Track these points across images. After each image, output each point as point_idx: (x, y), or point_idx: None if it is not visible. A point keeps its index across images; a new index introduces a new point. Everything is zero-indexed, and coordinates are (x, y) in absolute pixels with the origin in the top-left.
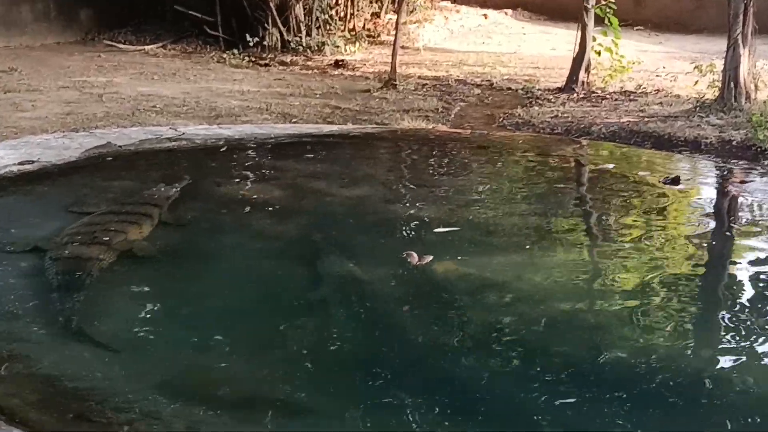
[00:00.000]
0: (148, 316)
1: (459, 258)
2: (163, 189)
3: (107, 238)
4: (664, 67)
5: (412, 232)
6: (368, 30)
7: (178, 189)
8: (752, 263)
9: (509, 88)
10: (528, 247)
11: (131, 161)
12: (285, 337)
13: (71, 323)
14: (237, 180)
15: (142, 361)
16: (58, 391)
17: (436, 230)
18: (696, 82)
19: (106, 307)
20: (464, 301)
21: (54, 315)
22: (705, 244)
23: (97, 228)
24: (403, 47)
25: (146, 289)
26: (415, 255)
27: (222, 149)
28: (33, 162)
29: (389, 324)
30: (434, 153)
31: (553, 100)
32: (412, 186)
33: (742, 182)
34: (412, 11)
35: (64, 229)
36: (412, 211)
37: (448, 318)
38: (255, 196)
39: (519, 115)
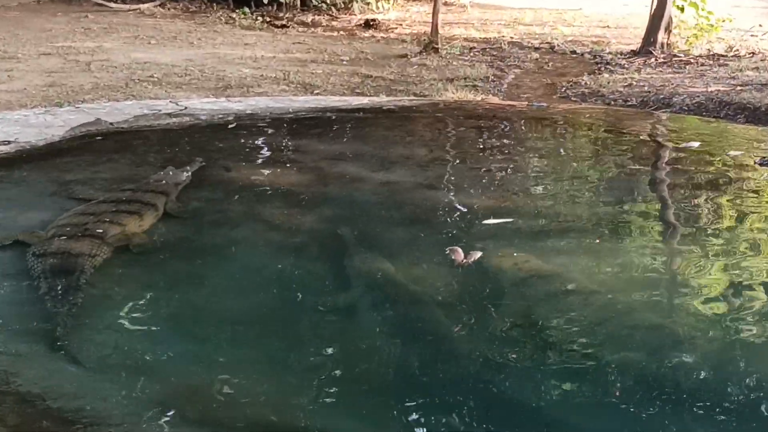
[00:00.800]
0: (145, 325)
1: (514, 255)
2: (171, 173)
3: (101, 231)
4: (760, 25)
5: (457, 224)
6: None
7: (190, 174)
8: None
9: (573, 52)
10: (597, 242)
11: (125, 141)
12: (305, 352)
13: (56, 333)
14: (249, 163)
15: (137, 379)
16: (38, 412)
17: (485, 222)
18: None
19: (97, 314)
20: (521, 308)
21: (37, 323)
22: None
23: (90, 219)
24: (446, 4)
25: (143, 292)
26: (460, 251)
27: (231, 126)
28: (10, 142)
29: (432, 337)
30: (483, 130)
31: (626, 66)
32: (456, 169)
33: None
34: None
35: (53, 221)
36: (456, 199)
37: (501, 330)
38: (270, 183)
39: (585, 83)
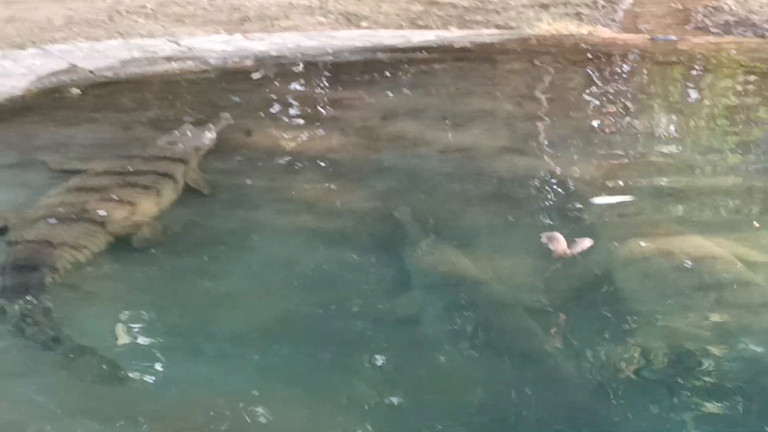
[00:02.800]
0: (140, 338)
1: (635, 244)
2: (190, 134)
3: (103, 213)
4: None
5: (556, 203)
6: None
7: (214, 134)
8: None
9: None
10: (753, 224)
11: (109, 95)
12: (351, 377)
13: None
14: (276, 124)
15: (131, 404)
16: None
17: (595, 200)
18: None
19: (75, 324)
20: (647, 318)
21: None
22: None
23: (90, 196)
24: None
25: (136, 296)
26: (561, 239)
27: (252, 74)
28: None
29: (522, 356)
30: (590, 74)
31: None
32: (554, 129)
33: None
34: None
35: (41, 197)
36: (554, 169)
37: (622, 350)
38: (304, 150)
39: (729, 9)
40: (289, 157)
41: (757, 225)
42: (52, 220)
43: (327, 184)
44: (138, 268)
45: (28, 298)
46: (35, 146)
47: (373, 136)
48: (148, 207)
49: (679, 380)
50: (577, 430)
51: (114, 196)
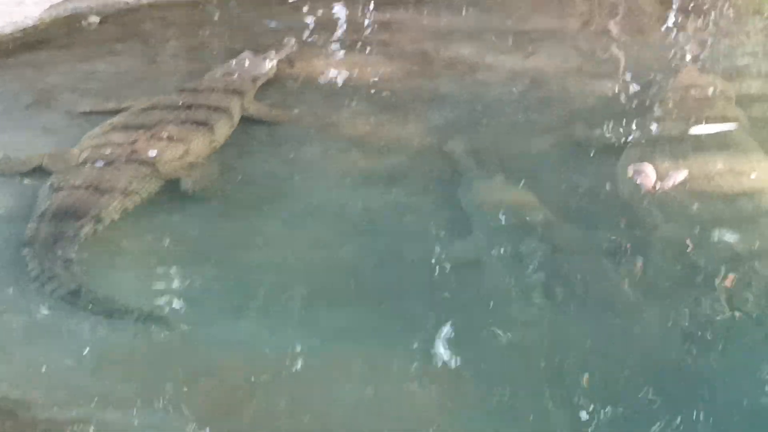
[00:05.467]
0: (181, 294)
1: (741, 175)
2: (248, 62)
3: (155, 153)
4: None
5: (636, 132)
6: None
7: (275, 62)
8: None
9: None
10: None
11: (131, 24)
12: (408, 325)
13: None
14: (318, 50)
15: (168, 361)
16: (25, 426)
17: (692, 131)
18: None
19: (120, 278)
20: (743, 259)
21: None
22: None
23: (139, 135)
24: None
25: (179, 247)
26: (650, 172)
27: None
28: None
29: (604, 311)
30: None
31: None
32: (628, 48)
33: None
34: None
35: (85, 135)
36: (637, 94)
37: (721, 303)
38: (351, 79)
39: None
40: (335, 89)
41: None
42: (99, 163)
43: (377, 118)
44: (172, 217)
45: (55, 250)
46: (52, 84)
47: (426, 61)
48: (201, 145)
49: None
50: (657, 384)
51: (164, 134)
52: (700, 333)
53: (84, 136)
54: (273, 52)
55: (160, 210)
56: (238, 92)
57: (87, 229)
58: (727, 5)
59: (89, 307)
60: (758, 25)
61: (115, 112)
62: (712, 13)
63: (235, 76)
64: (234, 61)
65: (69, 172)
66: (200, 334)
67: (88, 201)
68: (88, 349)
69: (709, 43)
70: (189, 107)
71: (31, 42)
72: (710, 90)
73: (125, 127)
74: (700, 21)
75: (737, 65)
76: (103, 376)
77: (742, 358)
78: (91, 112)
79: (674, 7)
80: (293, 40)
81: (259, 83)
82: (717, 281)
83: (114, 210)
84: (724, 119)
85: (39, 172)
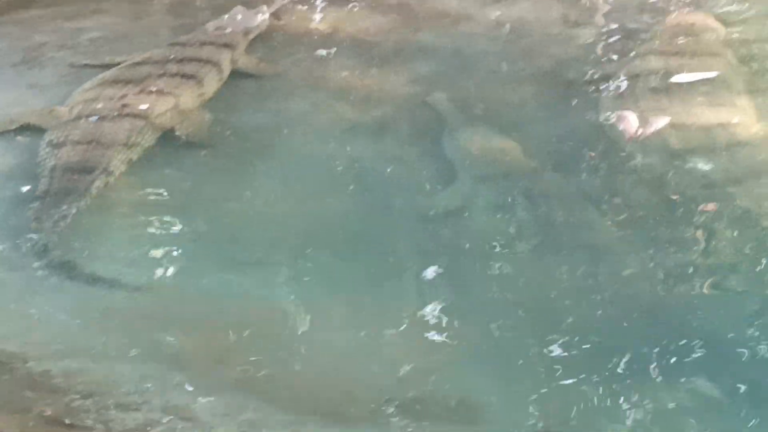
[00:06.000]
0: (172, 248)
1: (722, 118)
2: (240, 17)
3: (145, 107)
4: None
5: (624, 79)
6: None
7: (267, 16)
8: None
9: None
10: None
11: None
12: (396, 275)
13: (59, 261)
14: (305, 4)
15: (161, 315)
16: (21, 379)
17: (674, 79)
18: None
19: (112, 234)
20: (742, 216)
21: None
22: None
23: (128, 89)
24: None
25: (169, 201)
26: (632, 119)
27: None
28: None
29: (590, 258)
30: None
31: None
32: None
33: None
34: None
35: (75, 91)
36: (622, 41)
37: (702, 250)
38: (336, 32)
39: None
40: (321, 42)
41: None
42: (93, 118)
43: (362, 70)
44: (164, 171)
45: (62, 205)
46: (39, 42)
47: (410, 13)
48: (190, 98)
49: (750, 276)
50: (644, 329)
51: (153, 88)
52: (682, 270)
53: (75, 91)
54: (264, 6)
55: (152, 164)
56: (229, 46)
57: (99, 182)
58: None
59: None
60: None
61: (109, 66)
62: None
63: (227, 30)
64: (226, 16)
65: (65, 128)
66: (191, 286)
67: (95, 154)
68: (83, 303)
69: None
70: (179, 61)
71: (18, 1)
72: (699, 27)
73: (115, 82)
74: None
75: (723, 10)
76: (98, 330)
77: (721, 294)
78: (86, 66)
79: None
80: None
81: (251, 37)
82: (698, 209)
83: (121, 162)
84: (712, 54)
85: (30, 129)
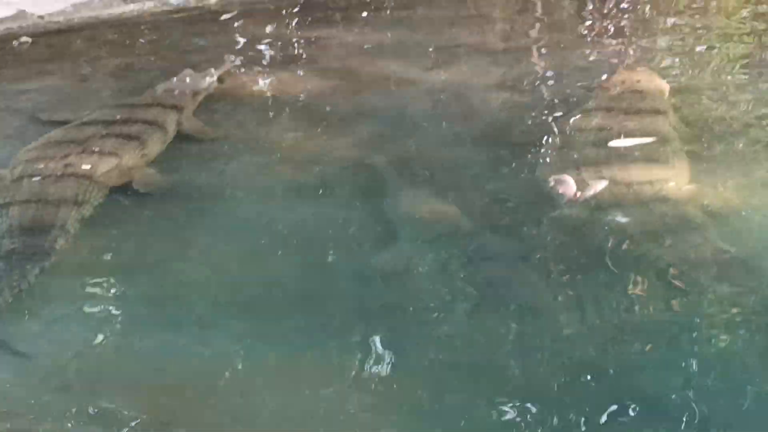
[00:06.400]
0: (115, 308)
1: (657, 184)
2: (188, 79)
3: (88, 167)
4: None
5: (563, 143)
6: None
7: (215, 78)
8: None
9: None
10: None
11: (62, 44)
12: (338, 334)
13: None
14: (247, 67)
15: (100, 381)
16: None
17: (612, 144)
18: None
19: (54, 293)
20: (664, 273)
21: None
22: None
23: (72, 149)
24: None
25: (112, 261)
26: (570, 182)
27: (218, 15)
28: None
29: (524, 318)
30: (587, 2)
31: None
32: (554, 60)
33: None
34: None
35: (19, 152)
36: (556, 106)
37: (638, 311)
38: (279, 94)
39: None
40: (265, 105)
41: None
42: (36, 178)
43: (305, 132)
44: (108, 231)
45: (27, 265)
46: None
47: (353, 77)
48: (132, 158)
49: (682, 330)
50: (580, 385)
51: (96, 148)
52: (616, 328)
53: (18, 153)
54: (212, 69)
55: (95, 225)
56: (177, 108)
57: (61, 240)
58: (643, 10)
59: None
60: (673, 25)
61: (68, 122)
62: (629, 22)
63: (176, 92)
64: (175, 78)
65: (9, 190)
66: (134, 346)
67: (47, 213)
68: (24, 361)
69: (627, 49)
70: (124, 122)
71: None
72: (642, 85)
73: (59, 143)
74: (617, 32)
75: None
76: (39, 388)
77: (655, 352)
78: (47, 121)
79: (592, 21)
80: (232, 57)
81: (199, 99)
82: (629, 267)
83: (75, 219)
84: (654, 113)
85: None
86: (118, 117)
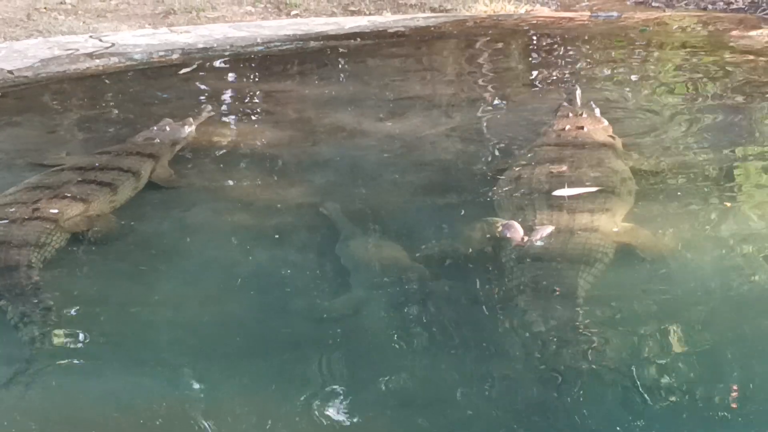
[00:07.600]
0: (77, 350)
1: (599, 227)
2: (168, 128)
3: (56, 211)
4: None
5: (514, 189)
6: None
7: (193, 128)
8: None
9: None
10: (726, 205)
11: (30, 97)
12: (294, 375)
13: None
14: (208, 119)
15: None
16: None
17: (556, 193)
18: None
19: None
20: (615, 316)
21: None
22: None
23: (45, 194)
24: None
25: (74, 305)
26: (517, 227)
27: (179, 69)
28: None
29: (475, 351)
30: (531, 55)
31: None
32: (496, 113)
33: None
34: None
35: None
36: (501, 156)
37: (572, 336)
38: (238, 145)
39: None
40: (223, 154)
41: (727, 205)
42: (3, 221)
43: (263, 181)
44: (68, 275)
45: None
46: None
47: (308, 128)
48: (101, 204)
49: (635, 373)
50: (531, 426)
51: (68, 193)
52: (569, 375)
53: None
54: (191, 118)
55: (57, 269)
56: (154, 156)
57: (35, 277)
58: (585, 60)
59: None
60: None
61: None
62: (574, 70)
63: (155, 140)
64: (155, 127)
65: None
66: (95, 390)
67: (10, 255)
68: None
69: (575, 95)
70: (101, 169)
71: None
72: (588, 132)
73: (35, 188)
74: (561, 80)
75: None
76: None
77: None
78: (46, 165)
79: (537, 72)
80: (210, 108)
81: (177, 148)
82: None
83: (38, 260)
84: (599, 160)
85: None
86: (97, 164)
